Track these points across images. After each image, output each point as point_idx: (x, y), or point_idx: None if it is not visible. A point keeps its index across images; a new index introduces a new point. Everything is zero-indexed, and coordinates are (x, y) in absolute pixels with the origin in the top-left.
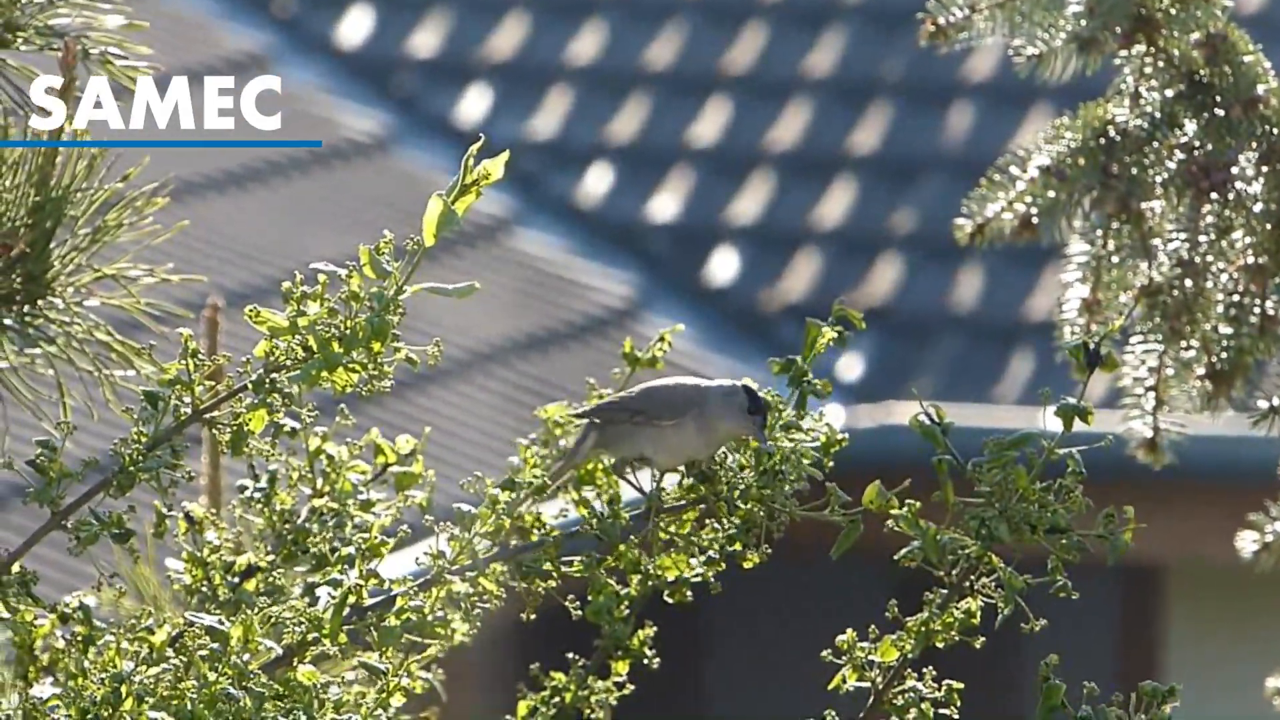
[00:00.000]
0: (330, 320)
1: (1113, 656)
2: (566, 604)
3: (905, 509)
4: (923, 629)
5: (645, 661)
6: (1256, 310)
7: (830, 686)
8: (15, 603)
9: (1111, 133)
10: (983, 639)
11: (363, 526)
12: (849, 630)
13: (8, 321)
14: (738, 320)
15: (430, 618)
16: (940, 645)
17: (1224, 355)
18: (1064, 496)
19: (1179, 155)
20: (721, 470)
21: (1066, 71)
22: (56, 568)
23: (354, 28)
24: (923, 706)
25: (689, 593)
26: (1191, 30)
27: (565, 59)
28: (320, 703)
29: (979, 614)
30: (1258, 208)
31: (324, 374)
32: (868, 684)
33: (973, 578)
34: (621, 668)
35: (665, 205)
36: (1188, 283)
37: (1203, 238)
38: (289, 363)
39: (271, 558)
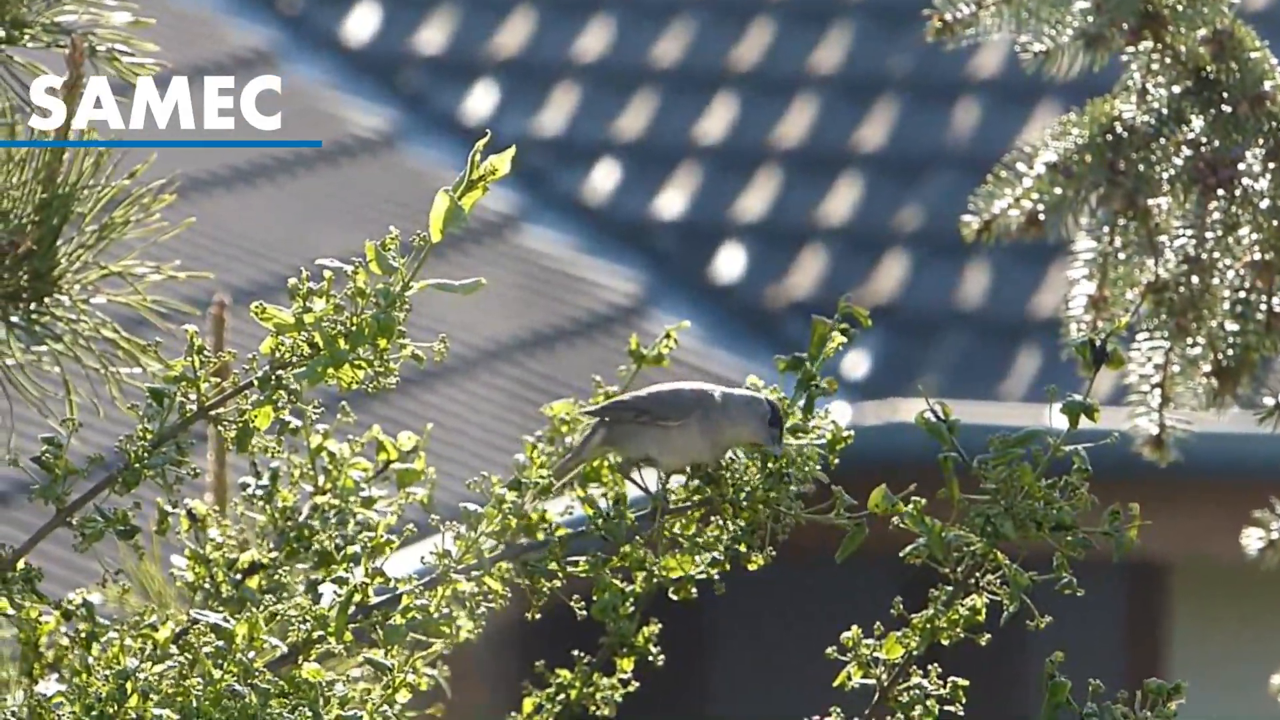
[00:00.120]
0: (336, 317)
1: (1118, 654)
2: (572, 604)
3: (910, 506)
4: (928, 626)
5: (650, 659)
6: (1263, 307)
7: (835, 684)
8: (20, 599)
9: (1118, 129)
10: (988, 636)
11: (367, 524)
12: (854, 627)
13: (14, 319)
14: (744, 317)
15: (435, 616)
16: (945, 642)
17: (1230, 352)
18: (1069, 494)
19: (1186, 152)
20: (727, 472)
21: (1073, 68)
22: (61, 564)
23: (360, 24)
24: (928, 703)
25: (693, 590)
26: (1198, 26)
27: (572, 55)
28: (325, 700)
29: (984, 611)
30: (1264, 204)
31: (330, 371)
32: (873, 681)
33: (978, 575)
34: (626, 665)
35: (672, 202)
36: (1194, 279)
37: (1209, 234)
38: (295, 359)
39: (274, 555)
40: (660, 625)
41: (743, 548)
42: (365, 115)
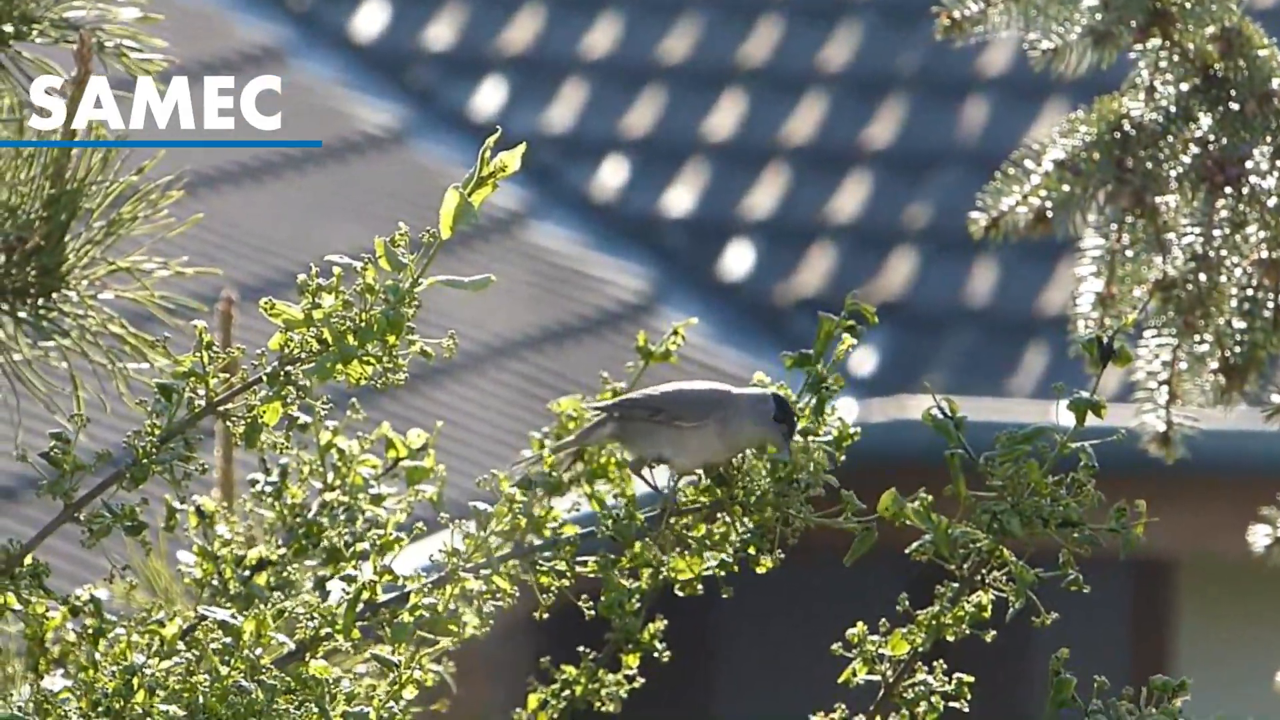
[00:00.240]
0: (345, 313)
1: (1123, 650)
2: (580, 604)
3: (917, 503)
4: (933, 622)
5: (656, 655)
6: (1270, 304)
7: (841, 680)
8: (27, 595)
9: (1126, 127)
10: (993, 633)
11: (376, 521)
12: (859, 624)
13: (22, 314)
14: (752, 314)
15: (443, 614)
16: (951, 639)
17: (1237, 350)
18: (1076, 490)
19: (1194, 149)
20: (738, 474)
21: (1081, 65)
22: (69, 560)
23: (369, 20)
24: (933, 700)
25: (699, 586)
26: (1206, 24)
27: (580, 52)
28: (332, 696)
29: (990, 608)
30: (1272, 202)
31: (339, 367)
32: (878, 677)
33: (984, 571)
34: (632, 661)
35: (680, 199)
36: (1202, 277)
37: (1217, 232)
38: (304, 355)
39: (282, 552)
40: (665, 622)
41: (752, 550)
42: (374, 112)
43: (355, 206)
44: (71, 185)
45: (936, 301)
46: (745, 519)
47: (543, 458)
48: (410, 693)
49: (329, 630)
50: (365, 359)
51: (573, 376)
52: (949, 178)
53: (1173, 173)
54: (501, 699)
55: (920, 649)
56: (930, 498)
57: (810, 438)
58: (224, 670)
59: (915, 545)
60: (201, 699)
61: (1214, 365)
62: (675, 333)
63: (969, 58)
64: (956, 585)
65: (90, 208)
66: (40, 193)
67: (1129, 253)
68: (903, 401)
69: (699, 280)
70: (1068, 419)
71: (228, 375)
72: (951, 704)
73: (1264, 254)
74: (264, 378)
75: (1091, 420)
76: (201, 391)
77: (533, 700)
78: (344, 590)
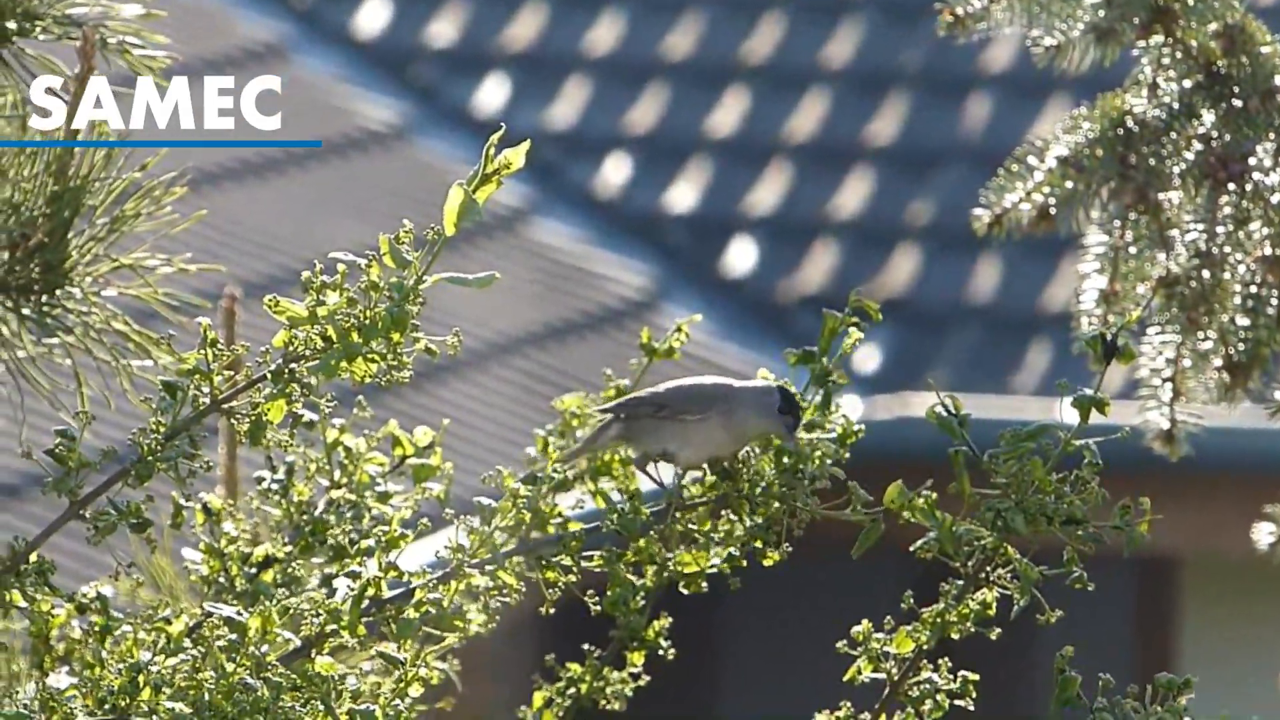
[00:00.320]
0: (349, 310)
1: (1127, 648)
2: (586, 599)
3: (921, 500)
4: (938, 620)
5: (661, 653)
6: (1274, 301)
7: (846, 678)
8: (33, 592)
9: (1129, 123)
10: (998, 630)
11: (381, 519)
12: (864, 621)
13: (26, 311)
14: (755, 311)
15: (448, 610)
16: (956, 636)
17: (1241, 347)
18: (1080, 488)
19: (1197, 146)
20: (744, 468)
21: (1084, 62)
22: (74, 557)
23: (372, 17)
24: (938, 698)
25: (704, 583)
26: (1209, 21)
27: (583, 49)
28: (338, 693)
29: (994, 605)
30: (1275, 199)
31: (343, 364)
32: (883, 675)
33: (988, 569)
34: (637, 659)
35: (683, 196)
36: (1205, 274)
37: (1220, 229)
38: (308, 353)
39: (289, 549)
40: (670, 620)
41: (758, 544)
42: (376, 108)
43: (358, 203)
44: (75, 182)
45: (940, 299)
46: (752, 513)
47: (548, 452)
48: (416, 690)
49: (334, 627)
50: (370, 356)
51: (576, 373)
52: (952, 175)
53: (1176, 169)
54: (507, 697)
55: (925, 647)
56: (935, 495)
57: (815, 434)
58: (229, 667)
59: (920, 543)
60: (207, 696)
61: (1218, 362)
62: (679, 330)
63: (972, 54)
64: (961, 583)
65: (94, 204)
66: (44, 190)
67: (1132, 249)
68: (906, 399)
69: (702, 277)
70: (1072, 416)
71: (232, 373)
72: (957, 702)
73: (1267, 250)
74: (268, 375)
75: (1095, 418)
76: (206, 389)
77: (538, 698)
78: (349, 587)
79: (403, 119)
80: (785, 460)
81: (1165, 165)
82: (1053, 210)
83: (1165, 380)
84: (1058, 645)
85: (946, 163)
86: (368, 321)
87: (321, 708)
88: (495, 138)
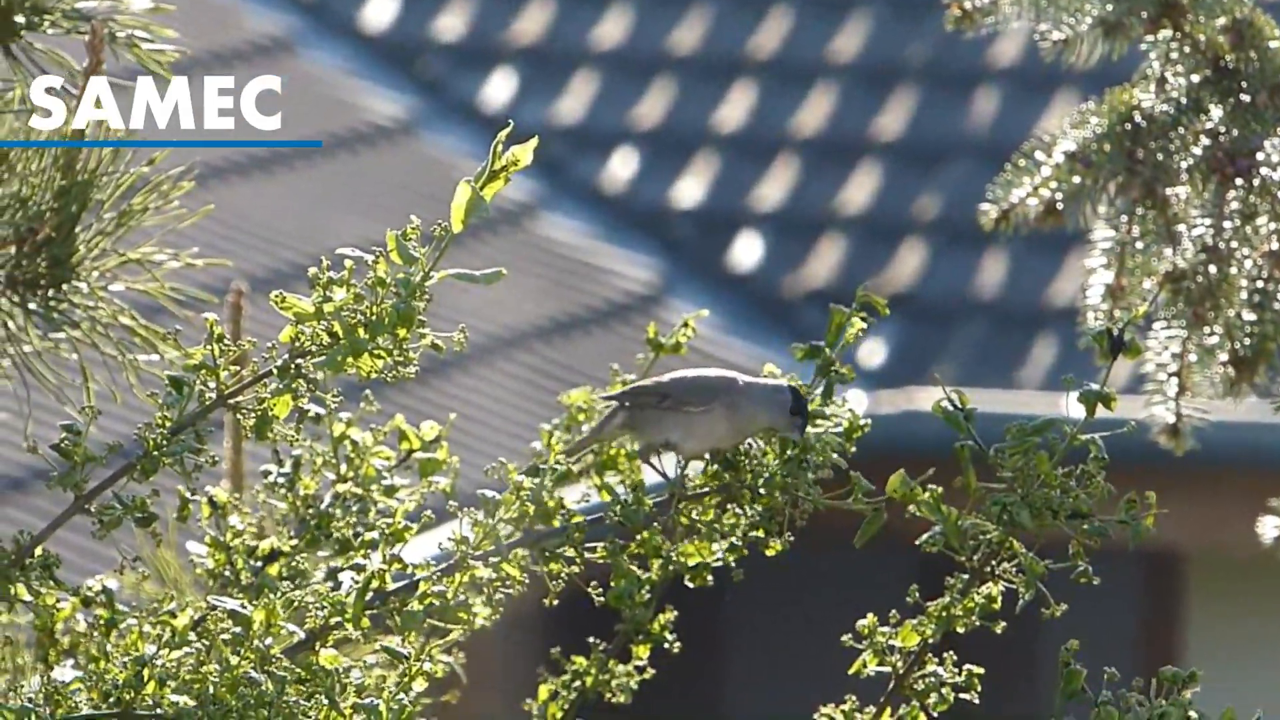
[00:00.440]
0: (356, 306)
1: (1133, 642)
2: (590, 590)
3: (927, 494)
4: (943, 614)
5: (666, 646)
6: None
7: (851, 671)
8: (38, 586)
9: (1137, 118)
10: (1003, 624)
11: (386, 512)
12: (870, 615)
13: (32, 306)
14: (761, 306)
15: (453, 603)
16: (961, 630)
17: (1247, 341)
18: (1086, 482)
19: (1204, 141)
20: (746, 458)
21: (1092, 57)
22: (79, 551)
23: (379, 11)
24: (943, 691)
25: (709, 576)
26: (1217, 15)
27: (590, 43)
28: (342, 686)
29: (1000, 599)
30: None
31: (349, 360)
32: (888, 669)
33: (994, 563)
34: (642, 652)
35: (689, 190)
36: (1212, 269)
37: (1227, 224)
38: (314, 348)
39: (294, 542)
40: (675, 613)
41: (761, 534)
42: (384, 103)
43: (365, 198)
44: (82, 177)
45: (946, 293)
46: (754, 503)
47: (552, 445)
48: (420, 683)
49: (339, 620)
50: (376, 352)
51: (582, 368)
52: (959, 169)
53: (1183, 164)
54: (512, 691)
55: (931, 640)
56: (940, 489)
57: (819, 423)
58: (234, 661)
59: (925, 536)
60: (211, 689)
61: (1224, 357)
62: (686, 324)
63: (979, 49)
64: (967, 577)
65: (101, 199)
66: (51, 184)
67: (1139, 244)
68: (911, 393)
69: (708, 272)
70: (1078, 411)
71: (238, 367)
72: (962, 695)
73: (1274, 246)
74: (274, 370)
75: (1101, 412)
76: (212, 384)
77: (543, 691)
78: (353, 579)
79: (410, 113)
80: (788, 450)
81: (1172, 160)
82: (1060, 205)
83: (1171, 375)
84: (1062, 639)
85: (953, 157)
86: (374, 317)
87: (326, 701)
88: (503, 134)
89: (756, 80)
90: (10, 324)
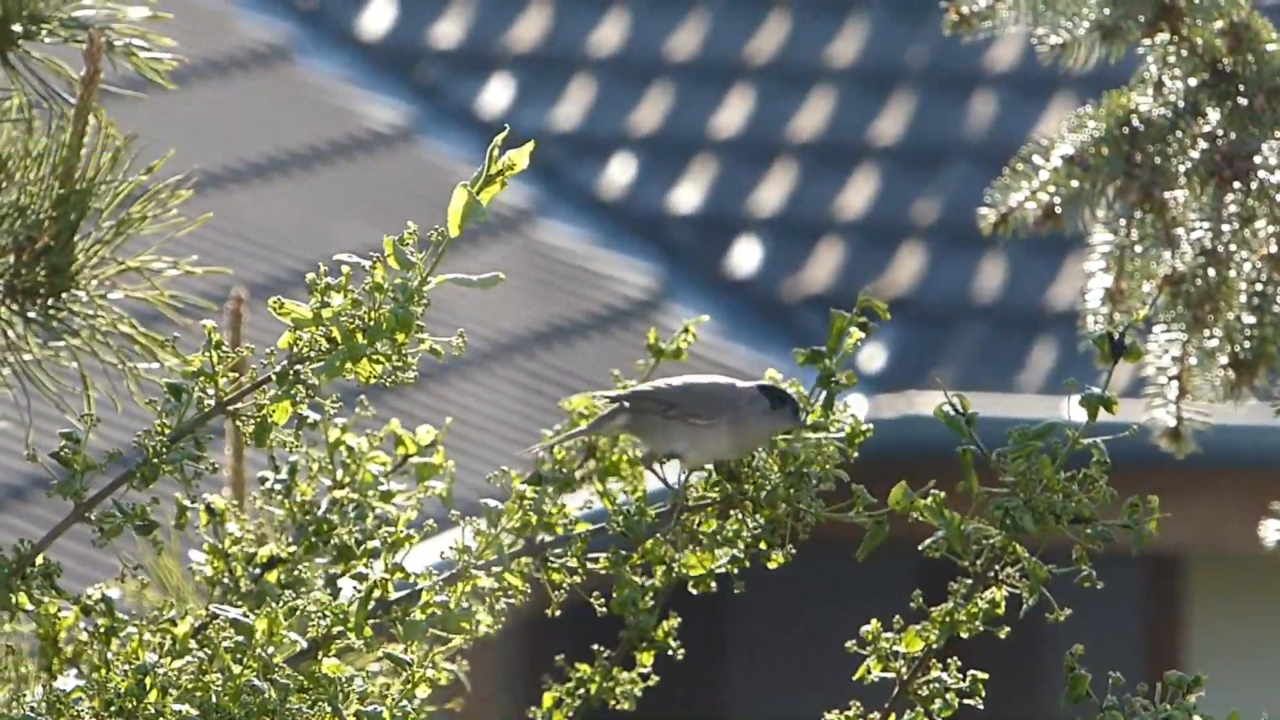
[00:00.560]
0: (354, 312)
1: (1135, 644)
2: (591, 600)
3: (930, 499)
4: (947, 619)
5: (670, 653)
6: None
7: (855, 677)
8: (39, 594)
9: (1135, 122)
10: (1007, 629)
11: (386, 519)
12: (873, 621)
13: (32, 314)
14: (760, 310)
15: (455, 611)
16: (965, 635)
17: (1247, 344)
18: (1088, 486)
19: (1202, 144)
20: (748, 470)
21: (1090, 60)
22: (80, 560)
23: (376, 18)
24: (947, 696)
25: (713, 584)
26: (1214, 19)
27: (588, 49)
28: (344, 695)
29: (1003, 604)
30: None
31: (348, 365)
32: (892, 675)
33: (997, 568)
34: (646, 659)
35: (688, 195)
36: (1211, 272)
37: (1226, 227)
38: (313, 354)
39: (293, 549)
40: (679, 620)
41: (763, 545)
42: (381, 109)
43: (363, 204)
44: (81, 185)
45: (945, 297)
46: (756, 514)
47: (553, 450)
48: (423, 691)
49: (341, 628)
50: (374, 357)
51: (580, 374)
52: (957, 173)
53: (1181, 168)
54: (516, 698)
55: (934, 646)
56: (942, 494)
57: (822, 434)
58: (236, 669)
59: (928, 542)
60: (214, 698)
61: (1224, 360)
62: (686, 330)
63: (977, 53)
64: (970, 582)
65: (99, 207)
66: (49, 192)
67: (1138, 248)
68: (911, 397)
69: (707, 277)
70: (1079, 415)
71: (237, 374)
72: (966, 701)
73: (1273, 249)
74: (273, 377)
75: (1103, 415)
76: (211, 391)
77: (547, 699)
78: (355, 588)
79: (407, 120)
80: (790, 463)
81: (1171, 163)
82: (1058, 209)
83: (1171, 378)
84: (1063, 642)
85: (952, 161)
86: (372, 322)
87: (329, 709)
88: (499, 138)
89: (755, 85)
90: (10, 332)
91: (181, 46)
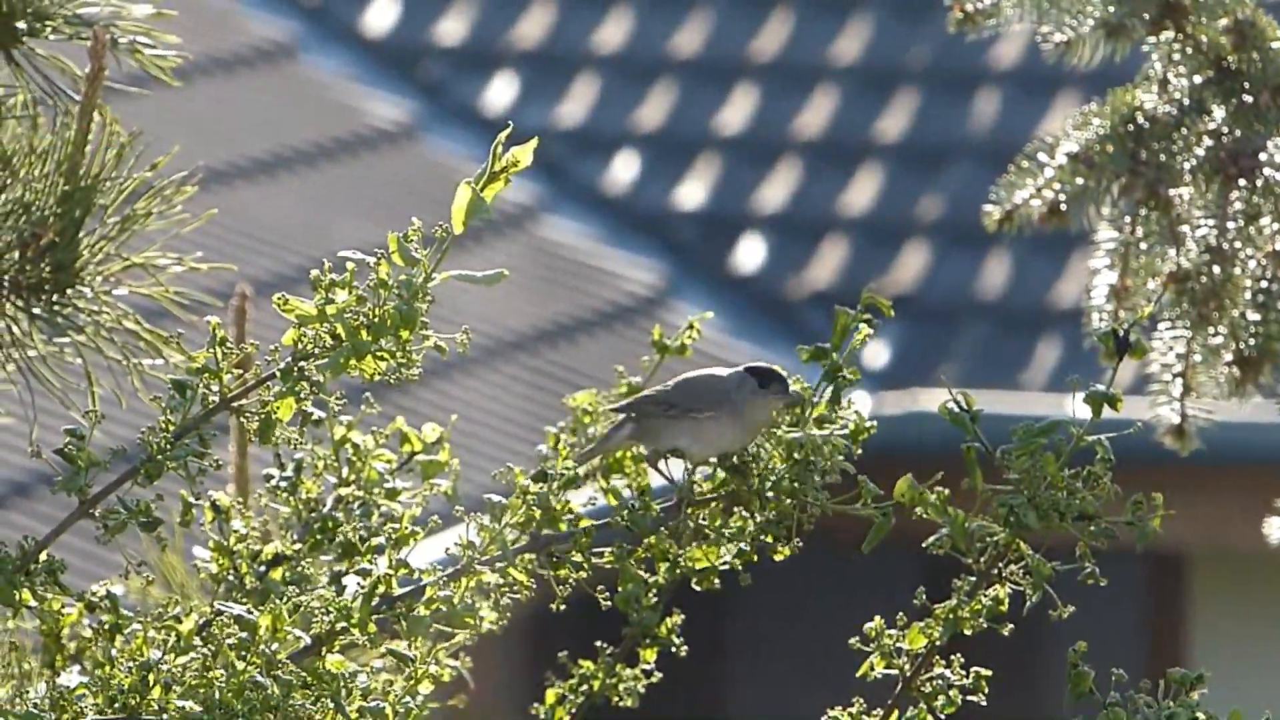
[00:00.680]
0: (359, 308)
1: (1138, 642)
2: (596, 594)
3: (934, 496)
4: (951, 616)
5: (673, 650)
6: None
7: (859, 674)
8: (43, 591)
9: (1140, 119)
10: (1010, 626)
11: (391, 516)
12: (877, 618)
13: (36, 311)
14: (764, 308)
15: (459, 607)
16: (968, 632)
17: (1252, 342)
18: (1092, 483)
19: (1207, 142)
20: (753, 463)
21: (1094, 58)
22: (84, 556)
23: (380, 15)
24: (951, 693)
25: (717, 580)
26: (1219, 16)
27: (592, 46)
28: (348, 691)
29: (1007, 601)
30: None
31: (352, 362)
32: (896, 671)
33: (1001, 565)
34: (649, 656)
35: (692, 193)
36: (1216, 269)
37: (1231, 224)
38: (317, 351)
39: (298, 546)
40: (682, 617)
41: (769, 539)
42: (385, 106)
43: (367, 201)
44: (86, 181)
45: (949, 295)
46: (762, 508)
47: (558, 449)
48: (426, 688)
49: (345, 624)
50: (379, 354)
51: (584, 370)
52: (960, 171)
53: (1187, 165)
54: (519, 695)
55: (938, 643)
56: (947, 491)
57: (826, 425)
58: (240, 665)
59: (932, 539)
60: (217, 694)
61: (1228, 357)
62: (691, 327)
63: (980, 51)
64: (974, 579)
65: (104, 204)
66: (55, 189)
67: (1143, 245)
68: (915, 394)
69: (711, 274)
70: (1083, 412)
71: (242, 371)
72: (969, 697)
73: (1278, 246)
74: (278, 373)
75: (1107, 413)
76: (215, 387)
77: (550, 695)
78: (359, 584)
79: (411, 117)
80: (796, 455)
81: (1176, 161)
82: (1063, 206)
83: (1176, 375)
84: (1067, 640)
85: (955, 159)
86: (377, 319)
87: (332, 706)
88: (503, 136)
89: (758, 82)
90: (15, 329)
91: (186, 43)
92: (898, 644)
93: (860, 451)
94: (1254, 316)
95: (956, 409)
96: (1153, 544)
